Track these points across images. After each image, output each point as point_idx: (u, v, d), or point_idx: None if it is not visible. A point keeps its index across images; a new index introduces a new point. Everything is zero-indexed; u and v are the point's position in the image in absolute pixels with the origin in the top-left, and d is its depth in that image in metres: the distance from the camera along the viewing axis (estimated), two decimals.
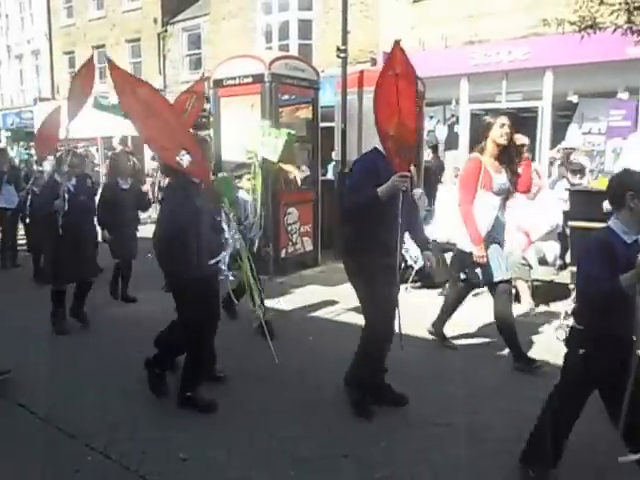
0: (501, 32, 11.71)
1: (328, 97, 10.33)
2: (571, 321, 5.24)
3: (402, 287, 4.14)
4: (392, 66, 3.35)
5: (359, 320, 5.50)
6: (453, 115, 13.56)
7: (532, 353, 4.79)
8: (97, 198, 6.54)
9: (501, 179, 4.52)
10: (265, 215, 5.64)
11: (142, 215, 7.33)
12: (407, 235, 4.08)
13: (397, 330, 3.77)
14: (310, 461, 3.34)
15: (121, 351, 5.11)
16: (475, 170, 4.51)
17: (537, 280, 6.42)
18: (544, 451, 3.00)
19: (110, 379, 4.50)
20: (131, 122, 3.78)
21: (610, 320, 2.71)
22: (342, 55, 9.00)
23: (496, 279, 4.54)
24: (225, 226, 4.70)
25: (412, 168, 3.96)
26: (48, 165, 8.89)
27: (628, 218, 2.78)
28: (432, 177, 9.41)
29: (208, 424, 3.77)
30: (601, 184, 6.99)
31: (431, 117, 13.35)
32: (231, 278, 4.75)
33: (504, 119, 4.42)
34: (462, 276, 4.83)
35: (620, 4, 7.16)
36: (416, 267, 6.69)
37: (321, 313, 6.31)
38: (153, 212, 9.68)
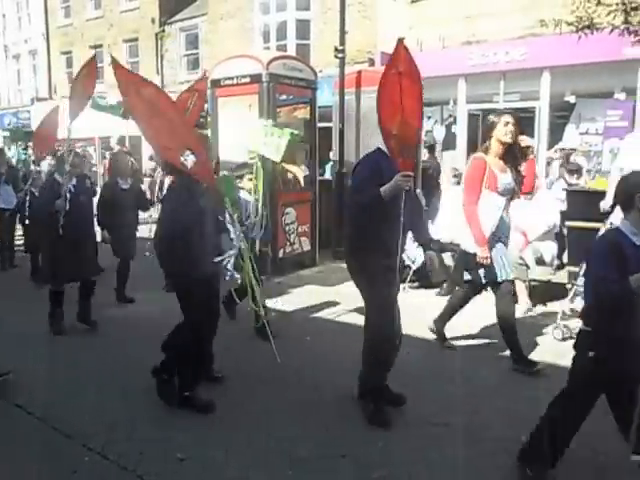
0: (498, 32, 11.73)
1: (326, 97, 10.33)
2: (570, 322, 5.29)
3: (400, 287, 4.12)
4: (395, 64, 3.31)
5: (358, 320, 5.52)
6: (451, 115, 13.58)
7: (529, 353, 4.79)
8: (96, 198, 6.53)
9: (506, 179, 4.48)
10: (267, 215, 5.62)
11: (142, 215, 7.29)
12: (409, 235, 4.07)
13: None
14: (308, 461, 3.34)
15: (120, 351, 5.11)
16: (480, 170, 4.47)
17: (534, 280, 6.43)
18: (545, 452, 2.99)
19: (108, 379, 4.50)
20: (135, 122, 3.75)
21: (620, 322, 2.69)
22: (340, 55, 9.02)
23: (499, 279, 4.52)
24: (230, 227, 4.71)
25: None
26: (46, 165, 8.89)
27: (637, 219, 2.75)
28: (429, 177, 9.42)
29: (206, 424, 3.77)
30: (598, 184, 7.03)
31: (429, 117, 13.36)
32: (237, 276, 4.76)
33: (508, 117, 4.40)
34: (466, 277, 4.80)
35: (617, 5, 7.18)
36: (414, 267, 6.70)
37: (319, 313, 6.31)
38: (154, 212, 9.66)
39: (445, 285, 6.95)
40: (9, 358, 4.67)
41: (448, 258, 6.95)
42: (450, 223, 4.95)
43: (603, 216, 5.97)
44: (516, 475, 3.11)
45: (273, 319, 5.26)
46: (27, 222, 8.20)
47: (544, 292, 6.38)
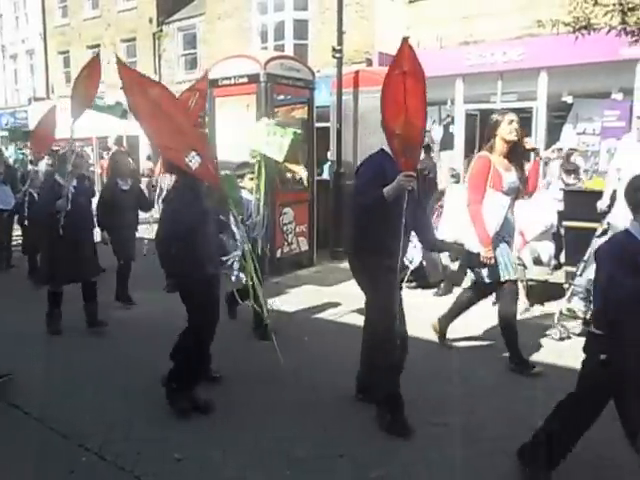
0: (496, 33, 11.74)
1: (323, 97, 10.34)
2: (568, 322, 5.30)
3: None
4: (400, 64, 3.27)
5: (356, 320, 5.52)
6: (448, 115, 13.59)
7: (527, 353, 4.79)
8: (95, 199, 6.50)
9: (511, 178, 4.45)
10: (267, 214, 5.61)
11: (142, 215, 7.22)
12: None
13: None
14: (306, 461, 3.34)
15: (118, 351, 5.11)
16: (484, 169, 4.44)
17: (532, 280, 6.44)
18: (545, 455, 2.97)
19: (106, 379, 4.50)
20: (138, 122, 3.70)
21: (631, 323, 2.65)
22: (337, 55, 9.03)
23: (503, 279, 4.48)
24: (234, 228, 4.71)
25: None
26: (43, 165, 8.87)
27: None
28: (425, 178, 9.43)
29: (203, 424, 3.76)
30: (595, 184, 7.05)
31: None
32: (242, 277, 4.75)
33: (512, 116, 4.39)
34: (473, 277, 4.78)
35: (614, 5, 7.18)
36: (411, 267, 6.70)
37: (317, 313, 6.31)
38: (155, 212, 9.62)
39: (442, 285, 6.96)
40: (6, 358, 4.66)
41: (445, 258, 6.97)
42: (454, 222, 4.89)
43: (600, 216, 5.99)
44: (515, 472, 3.11)
45: (272, 319, 5.25)
46: (26, 223, 8.16)
47: (541, 292, 6.39)
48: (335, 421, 3.80)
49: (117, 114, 17.05)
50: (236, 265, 4.90)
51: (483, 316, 5.30)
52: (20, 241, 9.04)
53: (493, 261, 4.40)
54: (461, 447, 3.42)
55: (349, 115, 9.40)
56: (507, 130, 4.36)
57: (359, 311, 5.53)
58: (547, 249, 6.67)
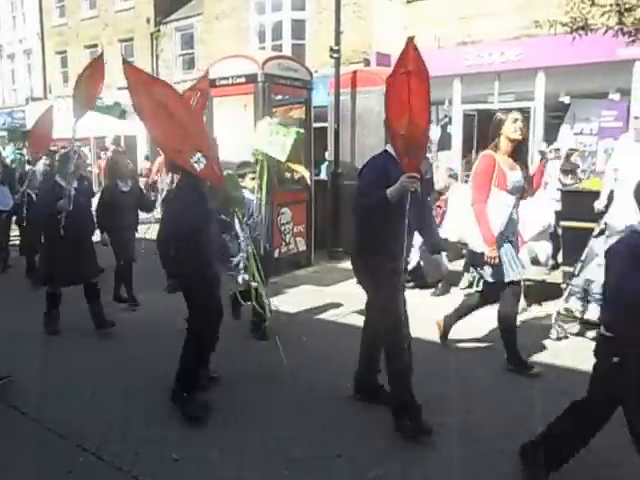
0: (494, 33, 11.75)
1: (321, 97, 10.34)
2: (565, 322, 5.31)
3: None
4: (404, 63, 3.25)
5: (354, 320, 5.53)
6: (446, 116, 13.60)
7: (524, 353, 4.80)
8: (94, 199, 6.47)
9: (515, 176, 4.42)
10: (268, 214, 5.60)
11: (142, 215, 7.16)
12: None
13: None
14: (304, 461, 3.34)
15: (117, 351, 5.11)
16: (489, 168, 4.39)
17: (529, 280, 6.43)
18: (551, 457, 2.94)
19: (103, 379, 4.50)
20: (143, 123, 3.68)
21: None
22: (335, 55, 9.03)
23: (507, 279, 4.45)
24: (239, 230, 4.70)
25: None
26: (41, 165, 8.85)
27: None
28: (422, 178, 9.44)
29: (201, 424, 3.76)
30: (593, 184, 7.06)
31: None
32: (245, 278, 4.74)
33: (517, 114, 4.36)
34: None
35: (611, 5, 7.19)
36: (409, 267, 6.71)
37: (315, 313, 6.30)
38: (155, 212, 9.59)
39: (440, 285, 6.96)
40: (4, 358, 4.66)
41: (443, 258, 6.96)
42: (458, 222, 4.85)
43: (597, 216, 6.00)
44: (512, 472, 3.12)
45: (272, 320, 5.24)
46: (24, 224, 8.13)
47: (539, 292, 6.39)
48: (333, 421, 3.81)
49: (115, 114, 17.05)
50: (242, 265, 4.89)
51: (481, 316, 5.29)
52: (17, 242, 9.03)
53: (497, 261, 4.36)
54: (459, 447, 3.42)
55: (347, 115, 9.40)
56: (512, 129, 4.33)
57: (358, 311, 5.54)
58: (544, 249, 6.69)
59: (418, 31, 12.42)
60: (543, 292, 6.39)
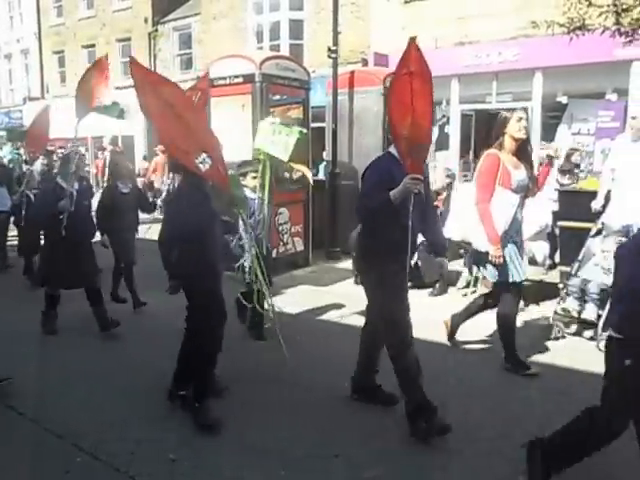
0: (491, 33, 11.77)
1: (319, 97, 10.34)
2: (565, 323, 5.31)
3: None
4: (407, 64, 3.22)
5: (352, 320, 5.54)
6: (444, 116, 13.61)
7: (521, 352, 4.80)
8: (93, 200, 6.44)
9: (520, 175, 4.39)
10: (270, 213, 5.59)
11: (142, 215, 7.13)
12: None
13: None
14: (301, 461, 3.34)
15: (115, 351, 5.11)
16: (493, 167, 4.36)
17: (527, 280, 6.44)
18: (555, 460, 2.90)
19: (100, 379, 4.48)
20: (151, 122, 3.66)
21: None
22: (333, 55, 9.03)
23: (511, 280, 4.43)
24: (242, 232, 4.69)
25: None
26: (39, 165, 8.84)
27: None
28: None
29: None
30: (590, 185, 7.07)
31: None
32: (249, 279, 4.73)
33: (521, 113, 4.33)
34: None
35: (608, 6, 7.20)
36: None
37: (312, 313, 6.30)
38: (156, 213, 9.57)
39: (438, 285, 6.97)
40: (1, 358, 4.65)
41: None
42: (461, 221, 4.80)
43: (594, 216, 6.02)
44: (511, 472, 3.11)
45: (271, 320, 5.24)
46: (22, 224, 8.11)
47: (536, 292, 6.39)
48: (331, 421, 3.80)
49: (114, 114, 17.03)
50: (247, 265, 4.86)
51: (479, 316, 5.30)
52: (16, 242, 9.00)
53: (502, 260, 4.33)
54: (457, 447, 3.42)
55: (344, 115, 9.41)
56: (516, 128, 4.30)
57: (356, 311, 5.55)
58: (542, 249, 6.71)
59: (416, 31, 12.34)
60: (540, 292, 6.39)
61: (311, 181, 6.64)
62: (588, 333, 5.22)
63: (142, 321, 5.96)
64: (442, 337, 5.18)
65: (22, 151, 11.46)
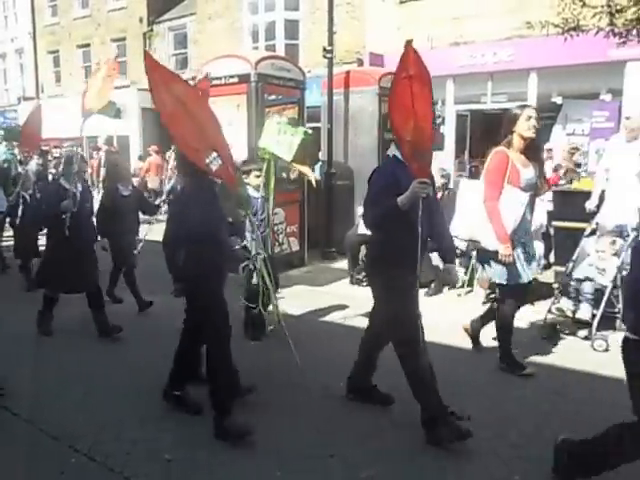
0: (486, 34, 11.80)
1: (314, 97, 10.34)
2: (559, 322, 5.33)
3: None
4: (405, 68, 3.20)
5: (355, 322, 5.52)
6: (439, 116, 13.63)
7: (517, 351, 4.81)
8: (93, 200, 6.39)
9: (529, 174, 4.31)
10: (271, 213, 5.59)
11: (142, 216, 7.08)
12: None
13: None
14: (297, 461, 3.34)
15: (112, 352, 5.10)
16: (502, 165, 4.27)
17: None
18: (580, 467, 2.88)
19: (96, 380, 4.47)
20: (163, 120, 3.63)
21: None
22: (328, 55, 9.04)
23: (518, 281, 4.37)
24: (248, 234, 4.67)
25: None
26: (34, 165, 8.80)
27: None
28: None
29: (194, 425, 3.75)
30: (584, 185, 7.10)
31: None
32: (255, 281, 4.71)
33: (531, 112, 4.27)
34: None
35: (602, 7, 7.23)
36: None
37: (314, 314, 6.28)
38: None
39: (433, 285, 6.97)
40: None
41: (436, 258, 6.98)
42: (469, 220, 4.72)
43: (589, 216, 6.04)
44: (506, 472, 3.12)
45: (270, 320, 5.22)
46: (17, 223, 8.06)
47: (531, 291, 6.39)
48: (326, 421, 3.81)
49: (110, 114, 16.91)
50: (257, 265, 4.82)
51: (473, 316, 5.31)
52: (11, 242, 8.95)
53: (512, 259, 4.24)
54: (452, 447, 3.41)
55: (340, 115, 9.42)
56: (525, 126, 4.25)
57: (359, 313, 5.53)
58: (536, 249, 6.71)
59: (411, 31, 12.46)
60: (535, 292, 6.39)
61: (314, 183, 6.52)
62: (582, 333, 5.24)
63: (142, 322, 5.94)
64: (437, 337, 5.16)
65: (17, 151, 11.38)
